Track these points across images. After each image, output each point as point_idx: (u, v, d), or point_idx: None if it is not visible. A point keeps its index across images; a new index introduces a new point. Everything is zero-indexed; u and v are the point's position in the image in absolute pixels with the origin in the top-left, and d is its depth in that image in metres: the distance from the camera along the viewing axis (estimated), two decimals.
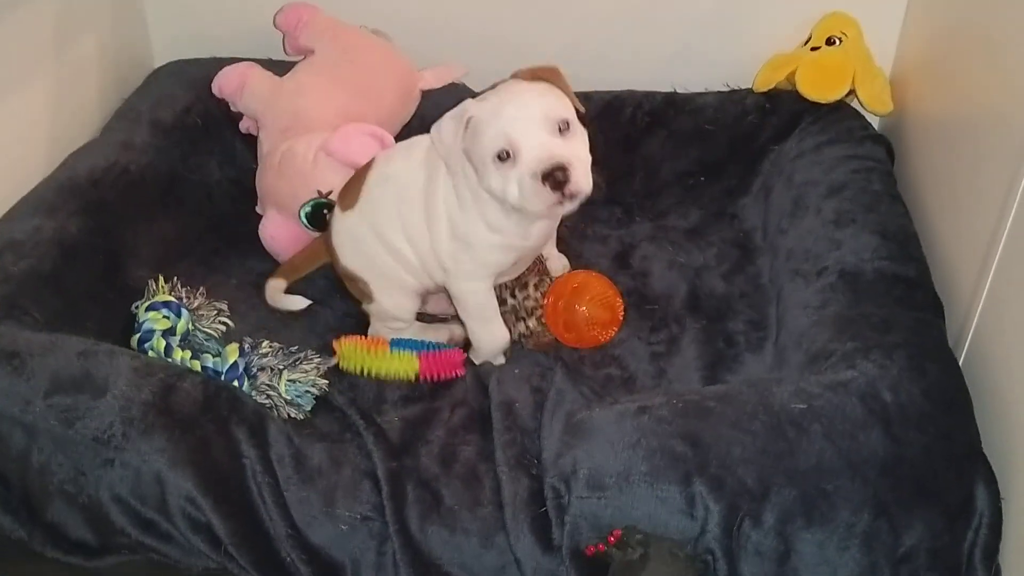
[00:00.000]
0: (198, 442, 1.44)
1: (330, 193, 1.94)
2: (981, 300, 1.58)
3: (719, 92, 2.25)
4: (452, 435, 1.57)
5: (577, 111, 1.59)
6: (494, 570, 1.43)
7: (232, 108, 2.16)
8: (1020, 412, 1.43)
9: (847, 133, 2.08)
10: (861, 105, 2.18)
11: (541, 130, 1.52)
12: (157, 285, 1.77)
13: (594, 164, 1.59)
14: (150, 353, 1.64)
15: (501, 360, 1.79)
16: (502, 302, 1.81)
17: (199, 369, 1.60)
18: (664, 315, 1.90)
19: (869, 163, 1.98)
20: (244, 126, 2.21)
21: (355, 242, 1.80)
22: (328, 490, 1.46)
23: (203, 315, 1.78)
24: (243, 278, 2.01)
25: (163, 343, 1.64)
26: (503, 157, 1.53)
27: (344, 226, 1.82)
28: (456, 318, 1.82)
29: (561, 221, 1.83)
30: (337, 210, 1.85)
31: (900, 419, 1.40)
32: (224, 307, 1.82)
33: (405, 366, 1.73)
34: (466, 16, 2.32)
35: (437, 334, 1.85)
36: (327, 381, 1.65)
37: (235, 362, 1.61)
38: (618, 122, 2.22)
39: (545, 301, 1.80)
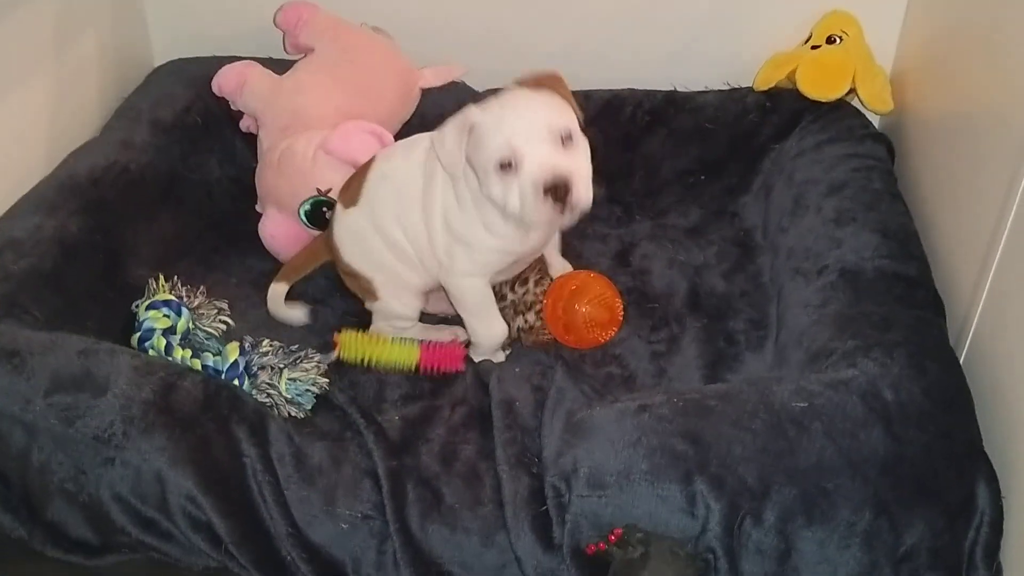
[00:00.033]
0: (198, 441, 1.43)
1: (329, 191, 1.94)
2: (982, 298, 1.58)
3: (719, 91, 2.25)
4: (452, 434, 1.57)
5: (577, 119, 1.60)
6: (495, 569, 1.43)
7: (232, 107, 2.16)
8: (1021, 410, 1.43)
9: (847, 131, 2.08)
10: (861, 103, 2.18)
11: (544, 141, 1.53)
12: (157, 284, 1.77)
13: (594, 163, 1.59)
14: (150, 352, 1.64)
15: (501, 357, 1.79)
16: (501, 297, 1.81)
17: (199, 368, 1.60)
18: (664, 314, 1.90)
19: (870, 161, 1.98)
20: (244, 125, 2.21)
21: (358, 239, 1.80)
22: (328, 489, 1.46)
23: (203, 314, 1.78)
24: (243, 277, 2.01)
25: (163, 342, 1.64)
26: (505, 166, 1.54)
27: (346, 223, 1.82)
28: (457, 318, 1.82)
29: None
30: (339, 208, 1.85)
31: (901, 418, 1.40)
32: (224, 306, 1.82)
33: (406, 355, 1.73)
34: (466, 15, 2.31)
35: (440, 335, 1.85)
36: (327, 380, 1.65)
37: (235, 361, 1.61)
38: (618, 121, 2.22)
39: (544, 302, 1.80)
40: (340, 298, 1.94)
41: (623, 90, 2.25)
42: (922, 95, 2.06)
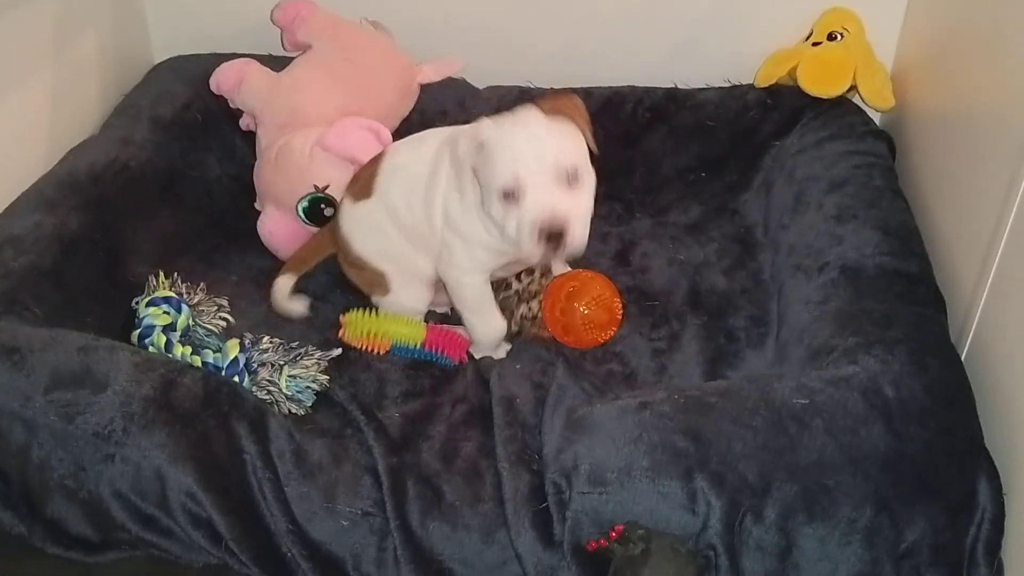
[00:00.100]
0: (199, 438, 1.43)
1: (327, 188, 1.94)
2: (983, 295, 1.57)
3: (720, 88, 2.25)
4: (453, 431, 1.57)
5: (589, 148, 1.60)
6: (495, 566, 1.43)
7: (230, 104, 2.16)
8: (1022, 407, 1.43)
9: (848, 128, 2.08)
10: (862, 100, 2.18)
11: (549, 179, 1.54)
12: (157, 281, 1.77)
13: (594, 162, 1.60)
14: (150, 349, 1.64)
15: (503, 352, 1.79)
16: (507, 286, 1.82)
17: (199, 365, 1.60)
18: (665, 311, 1.90)
19: (870, 159, 1.98)
20: (244, 123, 2.21)
21: (371, 230, 1.81)
22: (329, 486, 1.46)
23: (203, 311, 1.77)
24: (243, 274, 2.01)
25: (163, 339, 1.64)
26: (508, 195, 1.55)
27: (357, 215, 1.83)
28: (457, 319, 1.83)
29: None
30: (348, 201, 1.86)
31: (902, 414, 1.40)
32: (224, 303, 1.82)
33: (412, 332, 1.74)
34: (466, 12, 2.31)
35: None
36: (328, 377, 1.65)
37: (235, 358, 1.61)
38: (619, 118, 2.22)
39: (543, 303, 1.80)
40: (340, 294, 1.93)
41: (624, 87, 2.25)
42: (923, 92, 2.06)
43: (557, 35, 2.30)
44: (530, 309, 1.81)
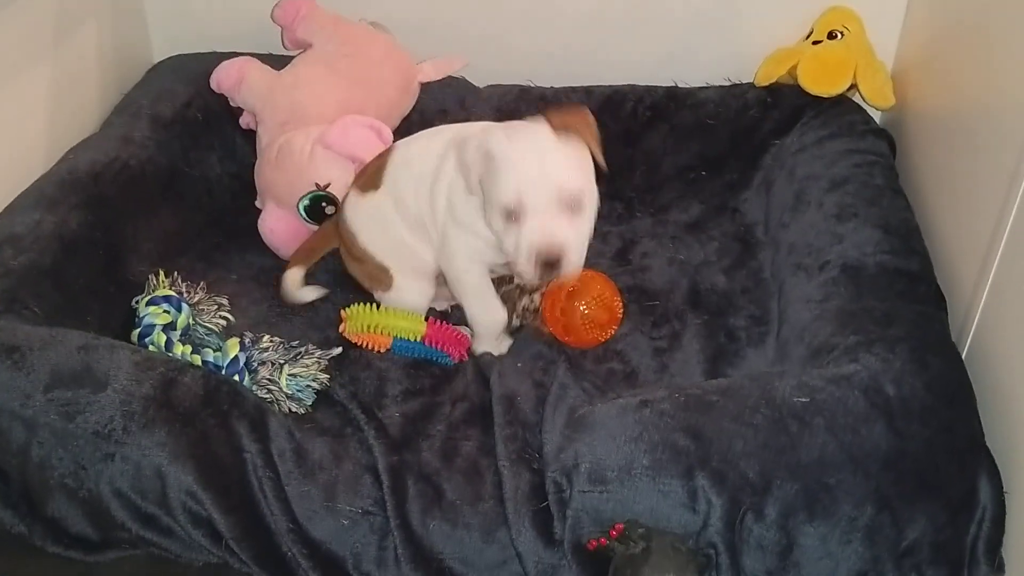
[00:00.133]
0: (199, 436, 1.43)
1: (327, 186, 1.94)
2: (984, 293, 1.57)
3: (720, 86, 2.25)
4: (453, 429, 1.57)
5: (596, 164, 1.61)
6: (496, 564, 1.43)
7: (231, 103, 2.16)
8: (1023, 405, 1.42)
9: (849, 127, 2.08)
10: (863, 99, 2.18)
11: (551, 204, 1.55)
12: (157, 280, 1.77)
13: (600, 179, 1.62)
14: (150, 348, 1.64)
15: (503, 348, 1.79)
16: (509, 280, 1.82)
17: (200, 364, 1.60)
18: (666, 310, 1.90)
19: (871, 157, 1.97)
20: (244, 122, 2.21)
21: (378, 222, 1.82)
22: (329, 484, 1.46)
23: (204, 310, 1.77)
24: (244, 273, 2.01)
25: (163, 337, 1.64)
26: (510, 214, 1.56)
27: (364, 208, 1.83)
28: (457, 320, 1.83)
29: None
30: (354, 194, 1.86)
31: (903, 412, 1.40)
32: (225, 302, 1.82)
33: (413, 326, 1.74)
34: (466, 13, 2.31)
35: None
36: (328, 376, 1.65)
37: (236, 356, 1.61)
38: (619, 116, 2.22)
39: (542, 304, 1.80)
40: (341, 292, 1.93)
41: (624, 86, 2.25)
42: (923, 90, 2.06)
43: (557, 34, 2.29)
44: (532, 301, 1.82)
